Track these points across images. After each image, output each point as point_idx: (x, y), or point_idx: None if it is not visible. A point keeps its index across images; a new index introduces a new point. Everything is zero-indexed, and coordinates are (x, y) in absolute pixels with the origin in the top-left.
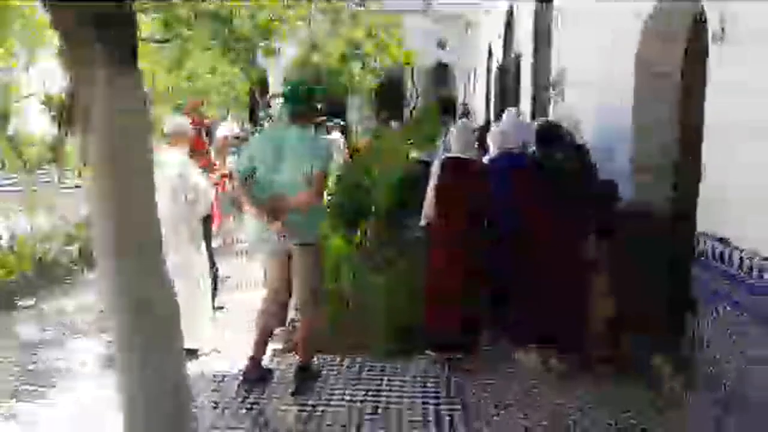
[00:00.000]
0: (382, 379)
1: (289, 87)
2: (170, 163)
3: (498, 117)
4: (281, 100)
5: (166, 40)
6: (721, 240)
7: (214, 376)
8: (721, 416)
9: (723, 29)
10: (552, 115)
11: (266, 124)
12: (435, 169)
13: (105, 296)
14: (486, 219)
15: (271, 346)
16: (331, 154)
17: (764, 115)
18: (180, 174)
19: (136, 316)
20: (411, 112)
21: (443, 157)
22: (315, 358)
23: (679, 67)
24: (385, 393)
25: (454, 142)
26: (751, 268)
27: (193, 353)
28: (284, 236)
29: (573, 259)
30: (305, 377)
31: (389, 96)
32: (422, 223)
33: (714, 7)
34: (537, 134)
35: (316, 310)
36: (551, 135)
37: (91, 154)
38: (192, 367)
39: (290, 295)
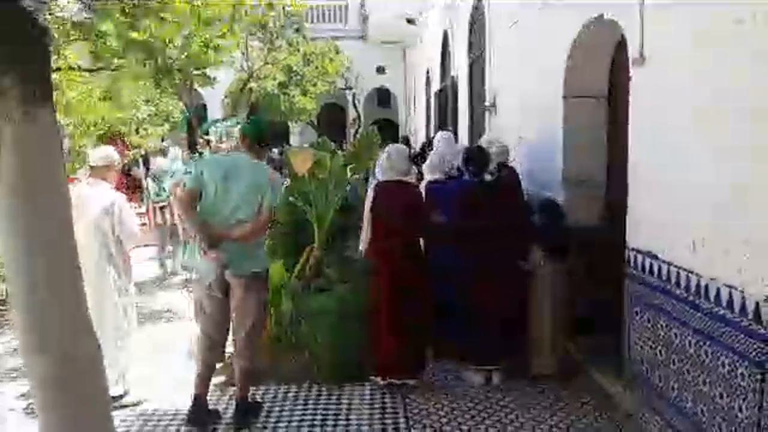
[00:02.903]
0: (327, 406)
1: (256, 120)
2: (96, 197)
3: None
4: (240, 129)
5: (95, 70)
6: (650, 254)
7: (148, 417)
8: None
9: (642, 54)
10: (488, 136)
11: (205, 152)
12: (369, 194)
13: (21, 336)
14: (426, 239)
15: (213, 380)
16: (281, 190)
17: (684, 132)
18: (105, 208)
19: (55, 361)
20: (354, 135)
21: (376, 182)
22: (258, 389)
23: (605, 88)
24: (331, 420)
25: (387, 166)
26: (678, 281)
27: (116, 400)
28: (224, 266)
29: (514, 278)
30: (246, 411)
31: (332, 120)
32: (361, 248)
33: (633, 33)
34: (476, 157)
35: (253, 348)
36: (487, 158)
37: (1, 191)
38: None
39: (228, 330)
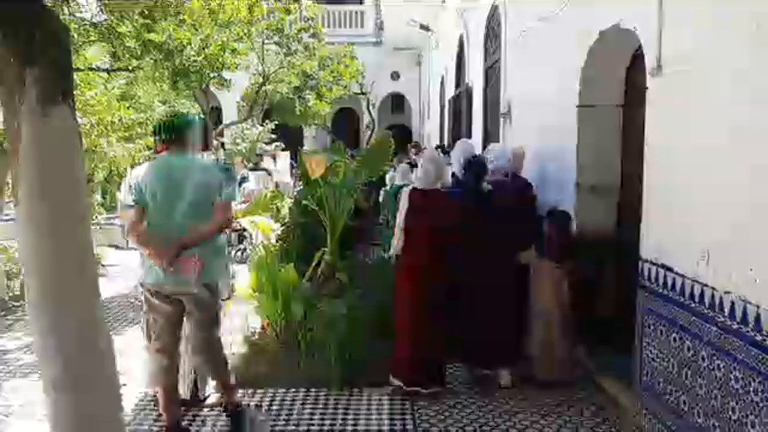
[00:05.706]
0: (335, 412)
1: (172, 119)
2: None
3: (450, 146)
4: (160, 131)
5: (113, 71)
6: (663, 266)
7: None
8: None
9: (659, 63)
10: (503, 144)
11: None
12: (403, 200)
13: (35, 334)
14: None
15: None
16: (225, 183)
17: (699, 142)
18: None
19: (67, 358)
20: (368, 141)
21: (410, 188)
22: (266, 394)
23: (621, 96)
24: (339, 426)
25: (423, 174)
26: (692, 294)
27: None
28: (189, 277)
29: (510, 279)
30: (238, 418)
31: (345, 125)
32: (392, 253)
33: (650, 43)
34: (474, 168)
35: (217, 363)
36: (483, 169)
37: (20, 189)
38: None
39: (177, 345)
